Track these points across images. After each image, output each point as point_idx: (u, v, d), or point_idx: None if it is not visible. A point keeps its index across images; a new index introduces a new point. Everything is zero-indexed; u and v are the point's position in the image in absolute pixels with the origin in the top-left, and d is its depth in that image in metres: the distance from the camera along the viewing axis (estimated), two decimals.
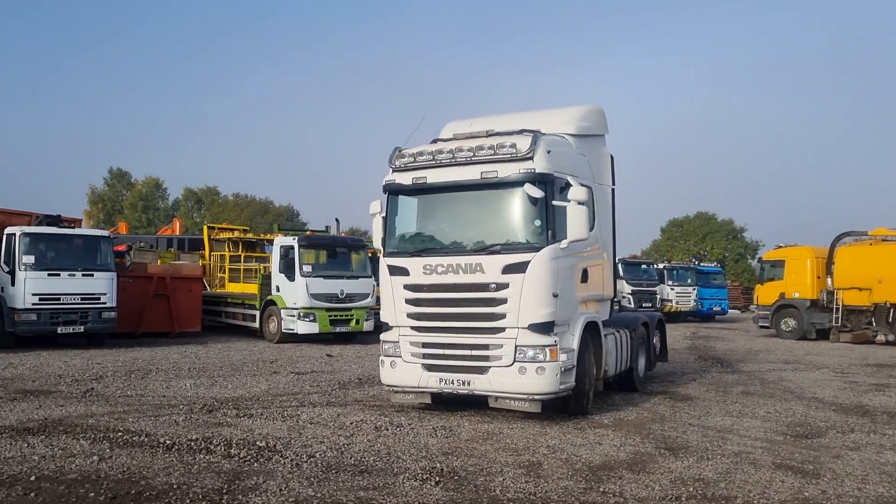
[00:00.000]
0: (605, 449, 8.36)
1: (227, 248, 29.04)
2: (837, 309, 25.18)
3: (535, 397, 9.24)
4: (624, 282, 36.32)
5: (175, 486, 6.56)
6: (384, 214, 10.35)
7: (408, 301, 9.96)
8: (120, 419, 9.54)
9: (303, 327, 20.54)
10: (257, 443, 8.25)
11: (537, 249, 9.25)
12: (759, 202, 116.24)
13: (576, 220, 9.31)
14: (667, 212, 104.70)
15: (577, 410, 10.13)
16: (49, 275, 18.00)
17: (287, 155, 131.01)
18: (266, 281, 22.27)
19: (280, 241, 21.79)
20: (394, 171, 10.21)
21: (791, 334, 26.58)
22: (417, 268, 9.85)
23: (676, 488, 6.83)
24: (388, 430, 9.14)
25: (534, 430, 9.32)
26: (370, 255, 22.68)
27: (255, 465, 7.38)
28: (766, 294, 28.12)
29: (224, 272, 28.37)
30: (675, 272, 39.77)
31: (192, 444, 8.17)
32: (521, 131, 9.88)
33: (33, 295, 17.75)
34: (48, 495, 6.28)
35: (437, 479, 6.95)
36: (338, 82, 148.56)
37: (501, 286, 9.30)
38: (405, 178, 10.06)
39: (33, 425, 9.00)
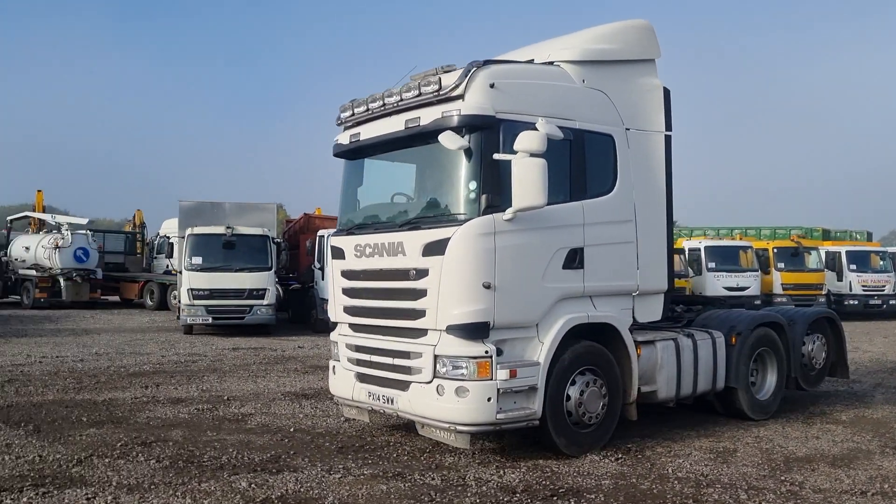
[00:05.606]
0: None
1: None
2: None
3: (459, 428, 6.80)
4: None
5: None
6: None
7: (344, 291, 8.14)
8: None
9: None
10: None
11: (462, 222, 6.94)
12: None
13: (525, 180, 6.70)
14: None
15: (553, 446, 7.28)
16: None
17: None
18: None
19: None
20: (344, 129, 8.44)
21: None
22: (351, 249, 7.99)
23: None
24: None
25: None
26: None
27: None
28: None
29: None
30: None
31: None
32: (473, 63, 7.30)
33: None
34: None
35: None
36: None
37: (421, 273, 7.11)
38: (345, 137, 8.30)
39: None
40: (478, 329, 6.80)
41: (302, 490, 6.19)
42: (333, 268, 8.26)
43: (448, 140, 6.84)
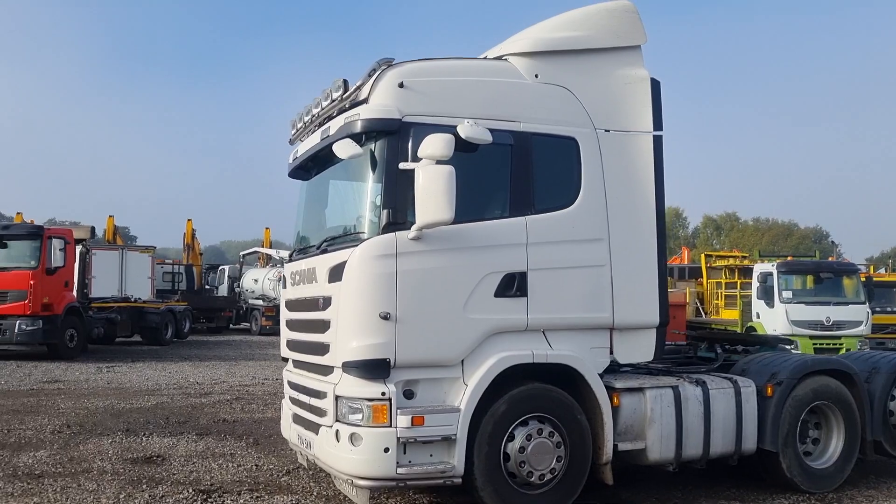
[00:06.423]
0: None
1: (723, 276, 29.55)
2: None
3: (356, 482, 5.86)
4: None
5: None
6: None
7: (286, 323, 7.42)
8: None
9: None
10: None
11: (359, 243, 6.00)
12: None
13: (428, 192, 5.63)
14: None
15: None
16: None
17: (816, 173, 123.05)
18: (747, 307, 22.34)
19: (759, 267, 21.78)
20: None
21: None
22: (289, 277, 7.34)
23: None
24: None
25: None
26: (863, 279, 21.11)
27: None
28: None
29: (720, 299, 28.93)
30: None
31: None
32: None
33: None
34: None
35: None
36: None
37: (327, 302, 6.19)
38: (292, 156, 7.65)
39: None
40: (376, 367, 5.77)
41: None
42: (281, 298, 7.69)
43: (341, 149, 6.00)
